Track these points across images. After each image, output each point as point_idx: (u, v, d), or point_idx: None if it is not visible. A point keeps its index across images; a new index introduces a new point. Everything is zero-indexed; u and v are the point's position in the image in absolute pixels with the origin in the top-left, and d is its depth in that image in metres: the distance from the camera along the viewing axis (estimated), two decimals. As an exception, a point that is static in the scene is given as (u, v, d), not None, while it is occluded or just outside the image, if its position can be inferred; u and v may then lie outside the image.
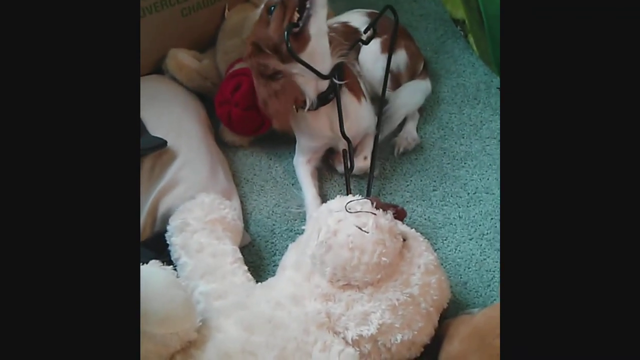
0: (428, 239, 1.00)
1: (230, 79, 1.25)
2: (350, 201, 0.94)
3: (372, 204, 0.94)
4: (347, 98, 1.16)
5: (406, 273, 0.92)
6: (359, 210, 0.92)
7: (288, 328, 0.87)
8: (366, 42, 1.24)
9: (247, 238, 1.14)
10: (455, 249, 1.13)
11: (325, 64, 1.10)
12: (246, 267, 1.02)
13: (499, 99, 1.37)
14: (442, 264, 1.01)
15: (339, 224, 0.91)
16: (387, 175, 1.26)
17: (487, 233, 1.15)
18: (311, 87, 1.11)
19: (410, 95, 1.33)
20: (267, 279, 1.02)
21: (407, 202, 1.21)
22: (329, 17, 1.14)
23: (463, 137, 1.32)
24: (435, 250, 1.04)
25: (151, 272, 0.84)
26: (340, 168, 1.23)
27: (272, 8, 1.09)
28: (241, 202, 1.20)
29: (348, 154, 1.18)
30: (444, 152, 1.29)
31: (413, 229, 1.01)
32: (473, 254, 1.12)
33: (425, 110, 1.37)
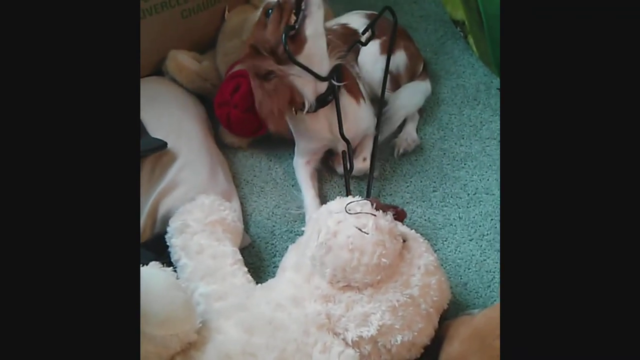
0: (428, 240, 1.00)
1: (230, 81, 1.24)
2: (350, 202, 0.94)
3: (372, 205, 0.94)
4: (346, 99, 1.16)
5: (406, 274, 0.92)
6: (358, 211, 0.92)
7: (288, 329, 0.87)
8: (364, 44, 1.24)
9: (247, 239, 1.14)
10: (455, 250, 1.13)
11: (323, 66, 1.10)
12: (246, 269, 1.02)
13: (498, 100, 1.37)
14: (442, 265, 1.01)
15: (339, 225, 0.91)
16: (386, 177, 1.26)
17: (487, 234, 1.15)
18: (310, 89, 1.10)
19: (410, 97, 1.33)
20: (267, 280, 1.01)
21: (407, 203, 1.21)
22: (328, 18, 1.14)
23: (463, 138, 1.32)
24: (435, 251, 1.04)
25: (151, 274, 0.84)
26: (340, 169, 1.22)
27: (270, 11, 1.09)
28: (241, 203, 1.20)
29: (347, 156, 1.18)
30: (444, 153, 1.29)
31: (413, 230, 1.01)
32: (473, 255, 1.12)
33: (425, 111, 1.37)
